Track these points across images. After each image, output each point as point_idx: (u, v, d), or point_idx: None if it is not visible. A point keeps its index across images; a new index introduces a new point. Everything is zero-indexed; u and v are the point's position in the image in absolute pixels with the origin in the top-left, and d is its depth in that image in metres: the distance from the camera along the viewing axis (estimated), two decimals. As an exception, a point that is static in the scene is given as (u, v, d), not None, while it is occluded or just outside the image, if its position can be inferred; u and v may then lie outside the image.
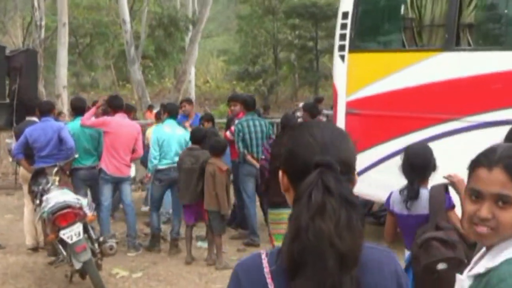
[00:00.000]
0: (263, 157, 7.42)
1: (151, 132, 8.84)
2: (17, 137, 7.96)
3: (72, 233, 5.73)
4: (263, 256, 1.58)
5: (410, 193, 4.02)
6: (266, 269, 1.54)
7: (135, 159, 8.03)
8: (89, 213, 6.03)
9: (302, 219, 1.43)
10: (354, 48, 8.10)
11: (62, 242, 5.86)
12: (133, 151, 7.80)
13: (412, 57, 7.61)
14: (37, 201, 6.59)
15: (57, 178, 6.85)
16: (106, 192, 7.66)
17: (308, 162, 1.50)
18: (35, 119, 8.02)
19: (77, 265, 5.82)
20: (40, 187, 6.59)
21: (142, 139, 8.20)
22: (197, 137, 7.54)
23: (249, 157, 8.04)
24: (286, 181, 1.60)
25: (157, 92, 25.71)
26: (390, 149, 7.49)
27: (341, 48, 8.20)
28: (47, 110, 7.64)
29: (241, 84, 32.38)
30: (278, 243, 6.38)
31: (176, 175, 7.66)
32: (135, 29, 24.04)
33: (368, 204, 9.53)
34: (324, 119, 10.01)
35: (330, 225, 1.41)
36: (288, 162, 1.60)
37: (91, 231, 6.11)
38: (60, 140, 7.32)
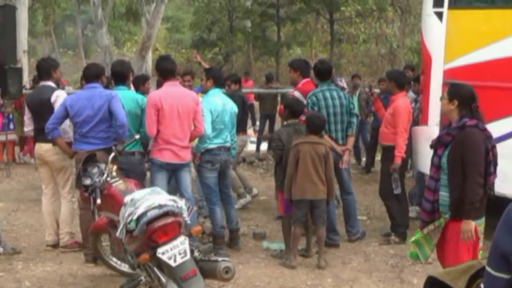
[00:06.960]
0: None
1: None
2: (29, 107, 6.11)
3: (175, 252, 3.99)
4: None
5: None
6: None
7: (195, 138, 6.20)
8: (189, 220, 4.24)
9: None
10: (457, 3, 6.62)
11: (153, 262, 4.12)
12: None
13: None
14: (92, 200, 4.84)
15: (114, 167, 5.06)
16: (160, 182, 5.81)
17: None
18: (51, 84, 6.15)
19: (177, 296, 4.06)
20: (96, 180, 4.80)
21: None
22: (297, 109, 6.14)
23: (326, 138, 6.44)
24: None
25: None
26: (505, 129, 6.15)
27: (438, 3, 6.69)
28: (94, 75, 5.79)
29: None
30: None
31: (227, 157, 6.29)
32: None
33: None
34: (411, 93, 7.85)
35: None
36: None
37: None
38: (110, 114, 5.58)
